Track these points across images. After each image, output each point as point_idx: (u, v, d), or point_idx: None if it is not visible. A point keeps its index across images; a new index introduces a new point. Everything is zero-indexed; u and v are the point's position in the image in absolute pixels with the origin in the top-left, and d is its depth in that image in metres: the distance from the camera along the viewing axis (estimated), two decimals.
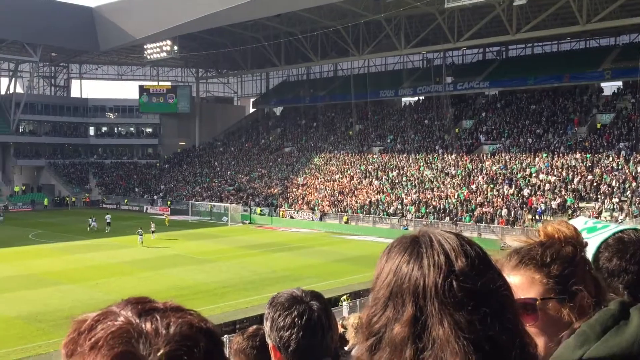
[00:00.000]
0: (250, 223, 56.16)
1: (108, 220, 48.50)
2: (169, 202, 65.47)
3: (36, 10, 63.97)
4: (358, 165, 61.22)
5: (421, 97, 70.13)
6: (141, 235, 40.92)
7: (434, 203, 48.73)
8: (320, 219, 53.35)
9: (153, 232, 44.05)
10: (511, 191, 46.26)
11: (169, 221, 53.24)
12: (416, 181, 53.64)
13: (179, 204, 64.17)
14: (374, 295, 1.05)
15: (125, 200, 69.69)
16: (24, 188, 75.23)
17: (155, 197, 69.39)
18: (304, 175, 63.02)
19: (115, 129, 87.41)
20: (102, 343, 0.79)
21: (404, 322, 0.97)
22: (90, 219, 49.37)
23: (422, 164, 56.74)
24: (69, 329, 0.87)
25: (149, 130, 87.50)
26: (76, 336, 0.84)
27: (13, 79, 78.14)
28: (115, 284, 28.45)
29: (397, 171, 57.09)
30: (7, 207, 64.08)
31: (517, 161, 50.70)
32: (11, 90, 77.55)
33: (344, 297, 23.68)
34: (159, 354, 0.78)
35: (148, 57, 73.86)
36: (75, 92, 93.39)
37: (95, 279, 29.40)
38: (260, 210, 57.64)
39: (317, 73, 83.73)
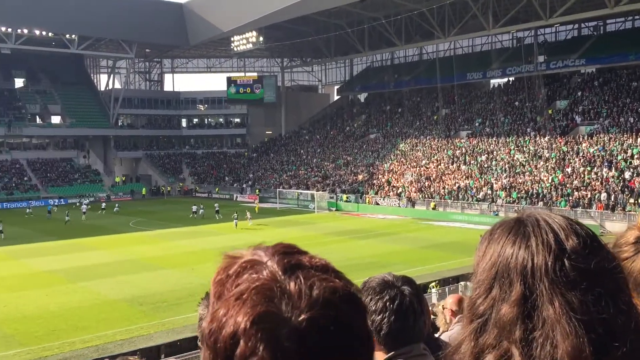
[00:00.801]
0: (336, 210, 56.58)
1: (217, 209, 51.16)
2: (257, 190, 67.18)
3: (131, 9, 67.23)
4: (445, 151, 60.01)
5: (511, 78, 67.53)
6: (236, 219, 44.34)
7: (525, 188, 46.98)
8: (410, 205, 52.86)
9: (250, 218, 46.59)
10: (611, 174, 43.73)
11: (259, 208, 54.82)
12: (506, 165, 51.88)
13: (266, 192, 65.69)
14: (477, 278, 1.03)
15: (217, 189, 72.18)
16: (123, 178, 79.72)
17: (244, 185, 71.41)
18: (390, 162, 62.59)
19: (206, 120, 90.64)
20: (247, 297, 0.80)
21: (513, 302, 0.95)
22: (195, 206, 52.68)
23: (512, 147, 54.76)
24: (221, 264, 0.89)
25: (237, 120, 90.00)
26: (224, 278, 0.86)
27: (112, 76, 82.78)
28: (210, 269, 29.40)
29: (486, 155, 55.46)
30: (109, 197, 68.13)
31: (617, 142, 47.79)
32: (110, 86, 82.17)
33: (433, 283, 23.40)
34: (300, 318, 0.78)
35: (235, 49, 75.84)
36: (168, 86, 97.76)
37: (191, 264, 30.74)
38: (347, 197, 57.91)
39: (402, 57, 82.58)
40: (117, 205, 58.60)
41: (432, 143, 63.06)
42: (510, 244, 1.00)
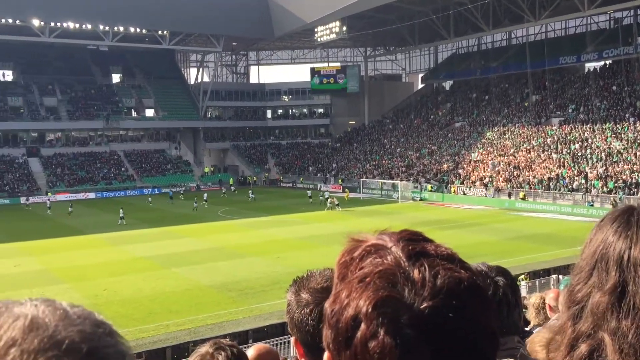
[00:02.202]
0: (420, 200, 55.87)
1: (337, 202, 49.82)
2: (340, 180, 67.49)
3: (218, 4, 69.19)
4: (535, 138, 57.67)
5: (608, 62, 63.74)
6: (333, 204, 48.41)
7: (623, 177, 44.33)
8: (498, 195, 51.34)
9: (337, 204, 48.31)
10: None
11: (349, 197, 55.50)
12: (603, 153, 49.16)
13: (350, 182, 65.86)
14: (579, 264, 1.02)
15: (301, 179, 73.20)
16: (212, 169, 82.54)
17: (328, 175, 71.94)
18: (477, 151, 60.95)
19: (290, 111, 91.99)
20: (370, 280, 0.80)
21: (607, 290, 0.94)
22: (308, 192, 57.58)
23: (609, 134, 51.78)
24: (345, 248, 0.89)
25: (321, 110, 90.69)
26: (348, 260, 0.86)
27: (200, 69, 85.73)
28: (294, 258, 30.13)
29: (579, 143, 52.79)
30: (199, 187, 70.75)
31: None
32: (199, 80, 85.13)
33: (522, 276, 22.64)
34: (422, 305, 0.77)
35: (318, 39, 76.30)
36: (253, 78, 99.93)
37: (276, 252, 31.42)
38: (431, 187, 57.01)
39: (489, 43, 79.95)
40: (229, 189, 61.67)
41: (521, 131, 60.77)
42: (612, 233, 0.99)
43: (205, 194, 57.38)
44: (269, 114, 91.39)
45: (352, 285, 0.81)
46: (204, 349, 2.38)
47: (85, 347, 0.61)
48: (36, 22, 63.75)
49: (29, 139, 73.57)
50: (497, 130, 63.37)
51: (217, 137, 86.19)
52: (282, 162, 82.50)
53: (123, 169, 73.44)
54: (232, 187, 69.32)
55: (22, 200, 60.69)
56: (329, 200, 49.81)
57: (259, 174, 79.54)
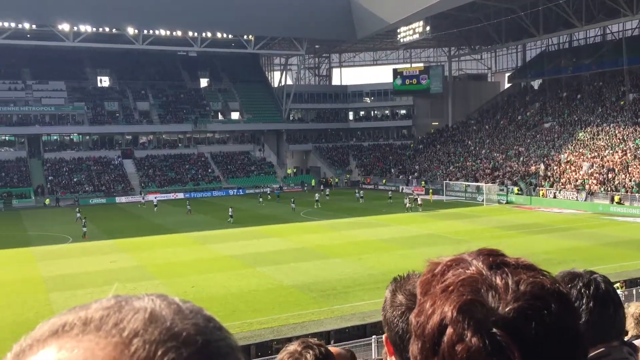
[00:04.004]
0: (506, 203, 54.10)
1: (420, 202, 50.62)
2: (423, 182, 66.55)
3: (301, 7, 70.18)
4: (632, 139, 54.36)
5: None
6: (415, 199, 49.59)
7: None
8: (590, 199, 48.88)
9: (420, 205, 48.88)
10: None
11: (432, 199, 55.42)
12: None
13: (433, 184, 64.80)
14: None
15: (384, 181, 72.82)
16: (294, 170, 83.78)
17: (410, 177, 71.14)
18: (567, 152, 58.26)
19: (372, 112, 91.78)
20: (453, 288, 0.82)
21: None
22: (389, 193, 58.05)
23: None
24: (425, 270, 0.91)
25: (403, 112, 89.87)
26: (430, 277, 0.88)
27: (284, 72, 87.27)
28: (376, 259, 30.02)
29: None
30: (281, 188, 72.01)
31: None
32: (282, 83, 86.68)
33: (617, 284, 21.38)
34: (507, 309, 0.78)
35: (401, 40, 75.66)
36: (335, 80, 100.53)
37: (358, 254, 31.43)
38: (518, 190, 55.06)
39: (581, 39, 76.28)
40: (292, 200, 61.58)
41: (616, 131, 57.48)
42: None
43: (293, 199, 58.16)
44: (351, 115, 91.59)
45: (436, 295, 0.83)
46: (293, 347, 2.41)
47: (200, 340, 0.65)
48: (131, 31, 67.29)
49: (123, 142, 77.71)
50: (590, 131, 60.29)
51: (300, 139, 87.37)
52: (363, 163, 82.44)
53: (210, 170, 75.99)
54: (305, 188, 71.62)
55: (119, 199, 64.34)
56: (407, 199, 50.64)
57: (340, 175, 79.89)
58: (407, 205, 49.32)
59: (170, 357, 0.62)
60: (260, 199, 58.95)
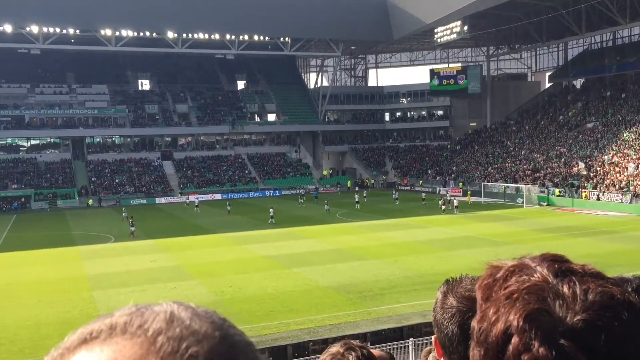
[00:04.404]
0: (547, 205, 52.99)
1: (456, 204, 49.69)
2: (460, 184, 65.75)
3: (337, 9, 70.28)
4: None
5: None
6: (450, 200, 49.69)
7: None
8: (636, 201, 47.48)
9: (457, 207, 48.54)
10: None
11: (471, 201, 55.08)
12: None
13: (471, 185, 63.93)
14: None
15: (420, 182, 72.23)
16: (330, 171, 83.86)
17: (447, 178, 70.37)
18: (612, 153, 56.71)
19: (408, 113, 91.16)
20: (518, 296, 0.79)
21: None
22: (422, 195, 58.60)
23: None
24: (484, 273, 0.88)
25: (440, 112, 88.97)
26: (491, 282, 0.85)
27: (320, 74, 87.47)
28: (412, 261, 29.77)
29: None
30: (317, 189, 72.13)
31: None
32: (318, 84, 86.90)
33: None
34: (576, 319, 0.75)
35: (438, 40, 74.95)
36: (371, 81, 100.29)
37: (394, 255, 31.22)
38: (560, 192, 53.87)
39: (626, 37, 74.26)
40: (326, 202, 61.50)
41: None
42: None
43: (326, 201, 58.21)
44: (387, 116, 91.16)
45: (500, 302, 0.81)
46: (335, 348, 2.40)
47: (218, 334, 0.70)
48: (170, 34, 68.49)
49: (163, 144, 79.12)
50: (636, 131, 58.57)
51: (336, 140, 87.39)
52: (400, 164, 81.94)
53: (246, 171, 76.69)
54: (338, 189, 72.88)
55: (159, 200, 65.67)
56: (442, 200, 50.24)
57: (376, 176, 79.57)
58: (442, 207, 48.76)
59: (193, 350, 0.66)
60: (301, 200, 59.17)
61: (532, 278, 0.82)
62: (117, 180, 70.34)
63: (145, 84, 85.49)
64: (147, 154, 76.77)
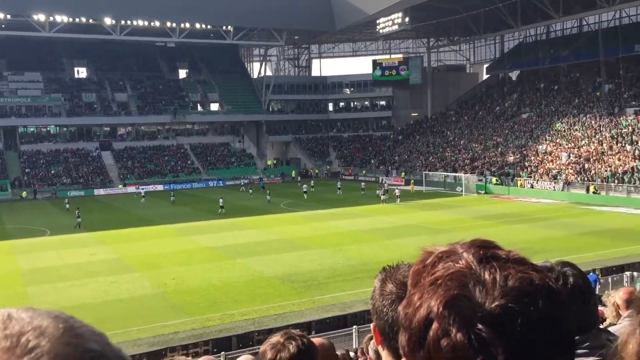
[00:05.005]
0: (485, 193, 54.73)
1: (398, 194, 50.81)
2: (402, 173, 66.95)
3: None
4: (608, 129, 55.28)
5: None
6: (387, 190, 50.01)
7: None
8: (567, 189, 49.66)
9: (398, 196, 49.12)
10: None
11: (414, 190, 56.18)
12: None
13: (413, 175, 65.21)
14: None
15: (364, 172, 73.08)
16: (274, 162, 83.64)
17: (390, 168, 71.51)
18: (545, 143, 59.04)
19: (352, 103, 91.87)
20: (441, 282, 0.82)
21: None
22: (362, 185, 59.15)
23: None
24: (418, 259, 0.91)
25: (382, 103, 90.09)
26: (421, 268, 0.88)
27: (263, 63, 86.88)
28: (356, 250, 30.22)
29: None
30: (261, 179, 71.87)
31: None
32: (262, 74, 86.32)
33: (597, 271, 21.83)
34: (494, 304, 0.77)
35: (380, 31, 75.76)
36: (315, 71, 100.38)
37: (338, 245, 31.59)
38: (496, 180, 55.73)
39: (559, 31, 77.13)
40: (268, 192, 61.32)
41: (592, 122, 58.39)
42: None
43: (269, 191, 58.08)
44: (330, 106, 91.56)
45: (424, 288, 0.83)
46: (275, 338, 2.47)
47: (62, 327, 0.69)
48: (108, 21, 66.36)
49: (101, 133, 76.82)
50: (567, 121, 61.15)
51: (280, 130, 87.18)
52: (343, 154, 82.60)
53: (189, 161, 75.53)
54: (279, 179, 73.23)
55: (98, 192, 63.91)
56: (381, 191, 50.50)
57: (320, 166, 79.96)
58: (382, 197, 49.33)
59: (34, 343, 0.65)
60: (251, 191, 58.53)
61: (456, 265, 0.84)
62: (52, 172, 67.84)
63: (82, 72, 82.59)
64: (85, 144, 74.38)
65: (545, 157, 56.01)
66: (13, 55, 75.93)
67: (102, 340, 0.71)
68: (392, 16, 71.32)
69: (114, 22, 66.66)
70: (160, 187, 66.82)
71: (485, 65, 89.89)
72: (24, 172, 67.13)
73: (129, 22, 67.17)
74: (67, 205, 48.71)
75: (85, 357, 0.67)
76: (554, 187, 50.69)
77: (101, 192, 65.16)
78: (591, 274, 21.42)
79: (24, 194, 61.98)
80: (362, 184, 59.83)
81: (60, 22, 64.64)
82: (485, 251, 0.86)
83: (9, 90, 73.14)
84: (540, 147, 58.64)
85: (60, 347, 0.65)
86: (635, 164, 47.28)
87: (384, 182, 61.60)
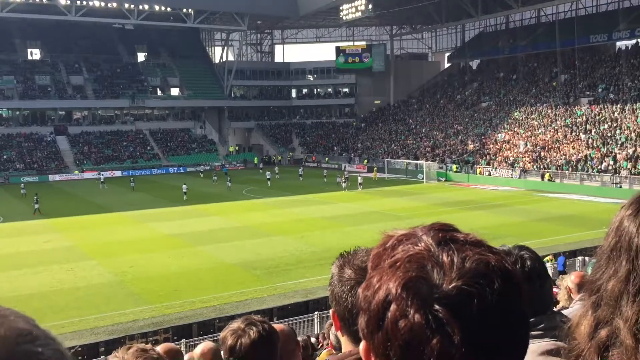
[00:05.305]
0: (446, 180, 55.51)
1: (360, 181, 50.48)
2: (365, 160, 67.28)
3: None
4: (563, 119, 56.66)
5: None
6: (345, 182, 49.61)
7: None
8: (524, 176, 50.77)
9: (361, 183, 49.24)
10: None
11: (376, 177, 56.48)
12: (633, 134, 48.12)
13: (375, 162, 65.62)
14: (599, 251, 1.00)
15: (327, 159, 73.15)
16: (237, 148, 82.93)
17: (353, 155, 71.78)
18: (503, 131, 60.15)
19: (315, 90, 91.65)
20: (400, 264, 0.83)
21: (619, 279, 0.92)
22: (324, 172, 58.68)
23: None
24: (379, 242, 0.92)
25: (346, 90, 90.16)
26: (381, 251, 0.89)
27: (225, 48, 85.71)
28: (319, 237, 30.25)
29: (609, 124, 51.72)
30: (223, 165, 71.21)
31: None
32: (224, 59, 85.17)
33: (547, 257, 22.38)
34: (451, 286, 0.79)
35: (344, 18, 75.56)
36: (278, 57, 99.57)
37: (301, 231, 31.57)
38: (456, 168, 56.56)
39: (518, 21, 78.43)
40: (229, 179, 60.65)
41: (549, 111, 59.74)
42: (626, 219, 0.95)
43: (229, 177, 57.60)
44: (293, 93, 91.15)
45: (383, 270, 0.84)
46: (236, 324, 2.39)
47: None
48: (63, 1, 64.25)
49: (56, 117, 74.67)
50: (525, 110, 62.40)
51: (242, 116, 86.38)
52: (306, 141, 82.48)
53: (149, 147, 74.20)
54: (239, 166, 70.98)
55: (53, 177, 62.08)
56: (342, 179, 50.64)
57: (283, 153, 79.68)
58: (343, 184, 49.48)
59: None
60: (215, 177, 57.71)
61: (416, 247, 0.85)
62: (5, 157, 65.68)
63: (35, 54, 79.88)
64: (39, 128, 72.19)
65: (504, 145, 57.09)
66: None
67: (30, 322, 0.71)
68: (356, 3, 71.23)
69: (69, 2, 64.58)
70: (118, 173, 65.52)
71: (447, 54, 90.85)
72: None
73: (84, 2, 65.19)
74: (24, 191, 47.69)
75: (14, 335, 0.67)
76: (511, 174, 51.76)
77: (56, 177, 63.47)
78: (560, 256, 22.25)
79: None
80: (325, 171, 59.87)
81: (12, 1, 62.31)
82: (444, 234, 0.87)
83: None
84: (499, 135, 59.72)
85: None
86: (588, 152, 48.62)
87: (345, 169, 61.80)
